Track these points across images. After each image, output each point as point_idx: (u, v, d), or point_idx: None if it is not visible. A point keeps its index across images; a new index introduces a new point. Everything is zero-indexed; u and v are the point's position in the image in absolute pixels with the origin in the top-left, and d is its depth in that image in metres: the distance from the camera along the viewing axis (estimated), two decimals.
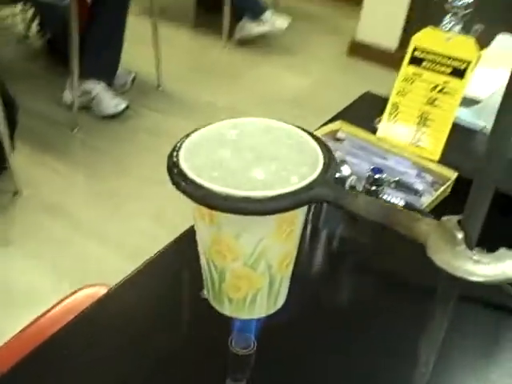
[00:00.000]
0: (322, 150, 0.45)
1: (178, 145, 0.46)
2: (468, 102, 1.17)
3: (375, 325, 0.75)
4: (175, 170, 0.43)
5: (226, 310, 0.49)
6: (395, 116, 1.05)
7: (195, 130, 0.48)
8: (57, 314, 1.14)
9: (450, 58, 1.00)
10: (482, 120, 1.15)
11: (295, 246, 0.48)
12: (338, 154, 0.98)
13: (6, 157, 2.25)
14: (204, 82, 3.24)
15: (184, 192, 0.42)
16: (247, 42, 3.55)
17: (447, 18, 1.02)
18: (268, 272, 0.46)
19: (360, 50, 3.53)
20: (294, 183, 0.41)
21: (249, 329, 0.51)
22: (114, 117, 2.84)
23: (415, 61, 1.03)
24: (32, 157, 2.55)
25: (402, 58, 1.07)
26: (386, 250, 0.88)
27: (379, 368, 0.69)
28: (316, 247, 0.86)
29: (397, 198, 0.82)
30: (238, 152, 0.47)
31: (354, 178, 0.83)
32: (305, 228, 0.88)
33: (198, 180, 0.42)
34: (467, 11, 1.01)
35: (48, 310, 1.14)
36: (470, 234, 0.32)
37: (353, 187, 0.83)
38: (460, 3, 1.00)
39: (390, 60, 3.32)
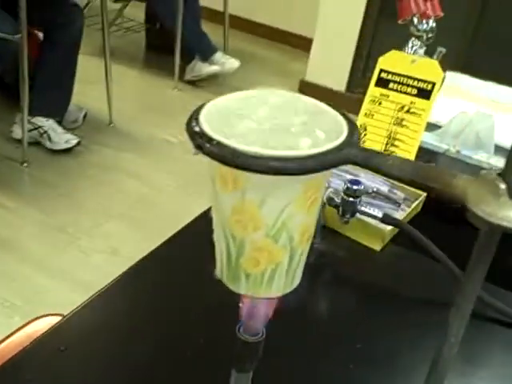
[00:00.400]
0: (344, 117, 0.45)
1: (195, 112, 0.45)
2: (430, 127, 1.21)
3: (356, 336, 0.75)
4: (197, 133, 0.42)
5: (242, 287, 0.47)
6: (364, 136, 1.07)
7: (207, 101, 0.47)
8: (14, 343, 1.11)
9: (415, 80, 1.04)
10: (445, 143, 1.19)
11: (315, 220, 0.47)
12: None
13: None
14: (156, 119, 3.24)
15: (210, 154, 0.40)
16: (198, 83, 3.58)
17: (411, 42, 1.06)
18: (289, 245, 0.45)
19: (309, 91, 3.61)
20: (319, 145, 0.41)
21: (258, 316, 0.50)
22: (65, 152, 2.80)
23: (382, 82, 1.06)
24: None
25: (350, 99, 1.10)
26: (362, 262, 0.88)
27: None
28: None
29: (375, 210, 0.83)
30: (256, 118, 0.47)
31: (330, 190, 0.84)
32: None
33: (224, 140, 0.41)
34: (430, 35, 1.05)
35: (1, 341, 1.10)
36: (510, 185, 0.32)
37: (330, 199, 0.84)
38: (424, 27, 1.04)
39: (340, 100, 3.42)
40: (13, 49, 2.47)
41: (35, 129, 2.77)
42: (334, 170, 0.99)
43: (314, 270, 0.85)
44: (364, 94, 1.08)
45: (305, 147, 0.42)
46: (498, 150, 1.21)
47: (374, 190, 0.82)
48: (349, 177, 0.99)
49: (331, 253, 0.87)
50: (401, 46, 1.07)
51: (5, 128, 2.85)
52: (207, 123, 0.43)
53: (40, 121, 2.78)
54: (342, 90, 3.50)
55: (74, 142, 2.80)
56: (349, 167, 1.02)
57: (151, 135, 3.10)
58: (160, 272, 0.84)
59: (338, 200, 0.83)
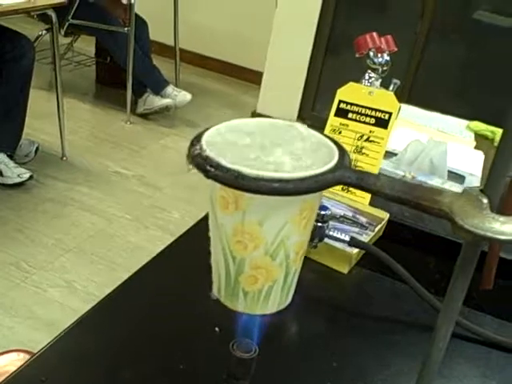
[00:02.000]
0: (332, 141, 0.48)
1: (197, 137, 0.47)
2: (387, 155, 1.27)
3: (329, 355, 0.78)
4: (201, 157, 0.44)
5: (240, 305, 0.50)
6: None
7: (207, 128, 0.50)
8: None
9: (373, 110, 1.09)
10: (401, 170, 1.24)
11: (308, 239, 0.50)
12: None
13: None
14: (109, 152, 3.24)
15: (214, 177, 0.43)
16: (150, 116, 3.60)
17: (368, 74, 1.11)
18: (285, 262, 0.48)
19: None
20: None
21: (251, 334, 0.52)
22: (17, 186, 2.77)
23: (341, 112, 1.11)
24: None
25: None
26: (330, 285, 0.91)
27: None
28: None
29: (342, 234, 0.86)
30: (250, 143, 0.50)
31: None
32: None
33: (227, 163, 0.44)
34: (385, 68, 1.11)
35: None
36: (493, 200, 0.36)
37: None
38: (379, 61, 1.09)
39: None
40: None
41: None
42: None
43: None
44: (314, 125, 1.13)
45: (300, 170, 0.45)
46: (451, 175, 1.27)
47: (342, 214, 0.86)
48: None
49: (300, 276, 0.90)
50: (348, 79, 1.12)
51: None
52: (209, 148, 0.46)
53: None
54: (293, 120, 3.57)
55: (27, 176, 2.77)
56: None
57: (104, 168, 3.09)
58: (143, 294, 0.85)
59: None
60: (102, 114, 3.61)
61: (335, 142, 0.48)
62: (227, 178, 0.43)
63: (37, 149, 3.00)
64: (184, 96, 3.52)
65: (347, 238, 0.86)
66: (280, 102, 3.61)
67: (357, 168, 1.09)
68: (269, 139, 0.50)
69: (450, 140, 1.49)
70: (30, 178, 2.79)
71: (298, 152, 0.49)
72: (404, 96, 3.19)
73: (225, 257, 0.49)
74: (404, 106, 1.79)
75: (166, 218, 2.78)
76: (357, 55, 1.09)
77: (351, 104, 1.10)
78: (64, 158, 3.09)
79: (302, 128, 0.51)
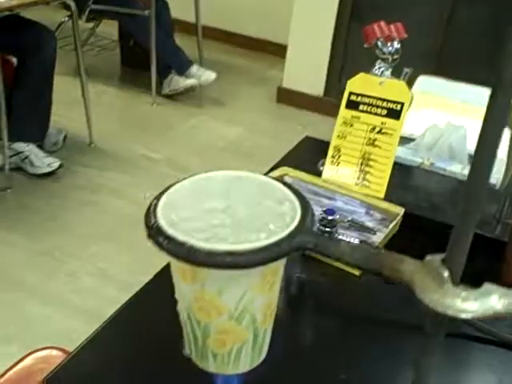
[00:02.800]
0: (298, 198, 0.46)
1: (154, 203, 0.46)
2: (404, 141, 1.24)
3: (340, 365, 0.77)
4: (154, 229, 0.43)
5: (211, 366, 0.49)
6: (338, 158, 1.09)
7: (166, 188, 0.48)
8: (11, 378, 1.12)
9: (384, 101, 1.06)
10: (419, 156, 1.22)
11: (276, 297, 0.49)
12: None
13: None
14: (137, 136, 3.25)
15: (167, 251, 0.42)
16: (176, 96, 3.59)
17: (378, 64, 1.08)
18: (253, 325, 0.47)
19: (288, 97, 3.64)
20: (269, 235, 0.42)
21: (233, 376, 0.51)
22: (47, 175, 2.81)
23: (352, 105, 1.08)
24: None
25: (328, 103, 1.13)
26: (343, 288, 0.90)
27: None
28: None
29: (351, 238, 0.85)
30: (210, 204, 0.48)
31: None
32: None
33: (180, 237, 0.42)
34: (396, 57, 1.08)
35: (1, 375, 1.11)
36: (455, 272, 0.33)
37: None
38: (389, 50, 1.06)
39: (318, 105, 3.45)
40: None
41: (16, 154, 2.78)
42: (307, 194, 1.02)
43: (295, 301, 0.88)
44: (341, 98, 1.11)
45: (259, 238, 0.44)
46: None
47: (349, 218, 0.84)
48: (324, 201, 1.01)
49: (312, 281, 0.89)
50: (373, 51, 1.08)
51: None
52: (165, 215, 0.45)
53: (20, 146, 2.78)
54: (320, 94, 3.53)
55: (56, 165, 2.81)
56: (325, 191, 1.05)
57: (132, 152, 3.11)
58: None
59: (314, 229, 0.85)
60: (128, 97, 3.62)
61: (299, 195, 0.46)
62: (180, 253, 0.42)
63: (65, 137, 3.03)
64: (209, 75, 3.50)
65: (356, 241, 0.84)
66: (305, 75, 3.56)
67: (370, 161, 1.07)
68: (232, 199, 0.48)
69: (475, 113, 1.44)
70: (60, 166, 2.82)
71: (260, 212, 0.47)
72: (431, 65, 3.11)
73: (190, 321, 0.48)
74: (426, 78, 1.74)
75: None
76: (365, 45, 1.06)
77: (362, 95, 1.08)
78: (92, 145, 3.11)
79: (267, 180, 0.50)
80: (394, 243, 0.96)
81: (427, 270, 0.34)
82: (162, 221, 0.44)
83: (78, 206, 2.70)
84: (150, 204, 0.46)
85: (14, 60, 2.79)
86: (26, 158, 2.79)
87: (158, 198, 0.47)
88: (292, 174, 1.08)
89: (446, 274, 0.33)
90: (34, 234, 2.49)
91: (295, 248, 0.41)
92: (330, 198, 1.02)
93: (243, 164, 2.95)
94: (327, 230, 0.84)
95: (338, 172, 1.09)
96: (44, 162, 2.80)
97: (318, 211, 0.94)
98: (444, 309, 0.32)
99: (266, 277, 0.45)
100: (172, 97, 3.58)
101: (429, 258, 0.35)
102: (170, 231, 0.43)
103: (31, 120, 2.79)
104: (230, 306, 0.45)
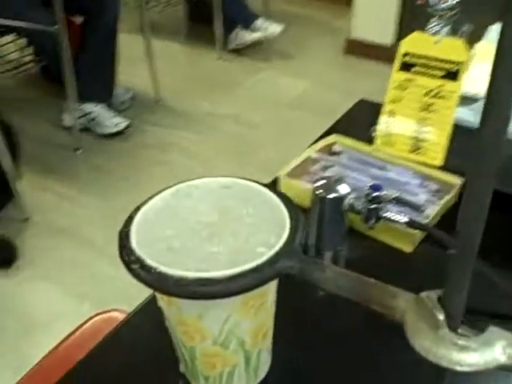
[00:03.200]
0: (289, 211, 0.42)
1: (128, 222, 0.43)
2: (467, 101, 1.16)
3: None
4: (126, 251, 0.40)
5: None
6: (391, 124, 1.03)
7: (146, 200, 0.45)
8: (76, 341, 1.14)
9: (441, 61, 0.99)
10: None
11: (270, 316, 0.45)
12: (334, 170, 0.96)
13: (12, 185, 2.25)
14: (202, 92, 3.23)
15: (137, 277, 0.39)
16: (242, 51, 3.53)
17: (433, 21, 1.00)
18: (242, 348, 0.43)
19: (356, 48, 3.51)
20: (260, 252, 0.38)
21: None
22: (116, 135, 2.84)
23: (406, 66, 1.02)
24: (38, 182, 2.56)
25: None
26: (392, 266, 0.86)
27: None
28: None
29: (399, 215, 0.80)
30: (196, 219, 0.45)
31: (352, 196, 0.81)
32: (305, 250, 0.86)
33: (150, 262, 0.39)
34: (453, 13, 0.99)
35: (67, 337, 1.13)
36: (453, 314, 0.29)
37: (351, 206, 0.81)
38: (443, 6, 0.98)
39: (388, 55, 3.30)
40: (54, 39, 2.49)
41: (84, 115, 2.82)
42: (356, 165, 0.97)
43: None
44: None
45: (243, 256, 0.40)
46: None
47: (396, 195, 0.79)
48: (375, 172, 0.96)
49: (358, 259, 0.85)
50: None
51: (56, 116, 2.90)
52: (142, 228, 0.41)
53: (88, 107, 2.81)
54: (389, 43, 3.39)
55: (124, 124, 2.83)
56: (376, 160, 0.99)
57: (199, 109, 3.09)
58: None
59: (359, 206, 0.81)
60: (193, 53, 3.59)
61: (290, 207, 0.42)
62: (148, 281, 0.38)
63: (132, 95, 3.05)
64: (274, 28, 3.41)
65: (405, 219, 0.79)
66: (374, 24, 3.42)
67: (426, 127, 1.01)
68: (216, 212, 0.44)
69: None
70: (128, 126, 2.85)
71: (245, 229, 0.43)
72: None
73: (177, 343, 0.45)
74: (496, 27, 1.62)
75: (262, 156, 2.75)
76: (418, 2, 0.98)
77: (417, 56, 1.01)
78: (159, 102, 3.12)
79: (258, 189, 0.46)
80: (449, 218, 0.90)
81: (420, 309, 0.29)
82: (134, 242, 0.41)
83: (149, 165, 2.71)
84: (125, 222, 0.42)
85: (79, 21, 2.80)
86: (95, 118, 2.82)
87: (134, 212, 0.44)
88: (342, 141, 1.03)
89: (441, 316, 0.28)
90: (106, 194, 2.54)
91: (277, 274, 0.37)
92: (381, 168, 0.97)
93: (310, 119, 2.89)
94: (372, 207, 0.80)
95: (390, 139, 1.03)
96: (112, 122, 2.83)
97: (366, 184, 0.90)
98: (437, 359, 0.27)
99: (248, 302, 0.41)
100: (238, 51, 3.53)
101: (424, 294, 0.30)
102: (141, 253, 0.40)
103: (98, 80, 2.81)
104: (213, 331, 0.42)
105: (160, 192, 0.46)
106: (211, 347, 0.43)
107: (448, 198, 0.92)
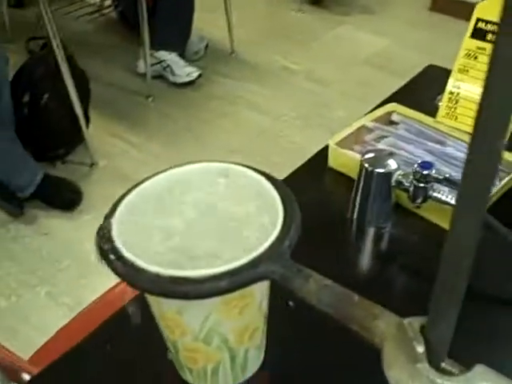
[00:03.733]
0: (285, 208, 0.37)
1: (111, 209, 0.40)
2: None
3: None
4: (104, 241, 0.37)
5: (189, 378, 0.44)
6: (457, 96, 0.96)
7: (136, 185, 0.42)
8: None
9: None
10: None
11: (260, 317, 0.41)
12: (389, 141, 0.91)
13: (81, 129, 2.28)
14: (278, 46, 3.16)
15: (112, 269, 0.36)
16: (322, 3, 3.42)
17: None
18: (225, 346, 0.41)
19: (443, 5, 3.34)
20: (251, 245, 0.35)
21: None
22: (187, 85, 2.82)
23: (478, 34, 0.94)
24: (107, 127, 2.58)
25: None
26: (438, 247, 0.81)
27: None
28: (362, 248, 0.80)
29: (449, 195, 0.74)
30: (185, 207, 0.42)
31: (399, 172, 0.76)
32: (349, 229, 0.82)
33: (127, 254, 0.37)
34: None
35: (119, 283, 1.15)
36: (436, 347, 0.24)
37: (399, 183, 0.76)
38: None
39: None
40: None
41: (158, 63, 2.81)
42: (413, 137, 0.91)
43: (382, 258, 0.80)
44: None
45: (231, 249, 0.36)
46: None
47: (446, 175, 0.73)
48: (432, 146, 0.90)
49: (403, 237, 0.81)
50: None
51: (131, 63, 2.92)
52: (130, 212, 0.38)
53: (162, 55, 2.81)
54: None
55: (196, 74, 2.81)
56: (436, 133, 0.93)
57: (273, 63, 3.03)
58: None
59: (407, 183, 0.75)
60: (272, 3, 3.51)
61: (288, 203, 0.38)
62: (121, 273, 0.35)
63: (206, 45, 3.02)
64: None
65: (453, 202, 0.74)
66: None
67: None
68: (212, 198, 0.41)
69: None
70: (200, 76, 2.83)
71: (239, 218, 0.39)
72: None
73: (163, 335, 0.42)
74: None
75: (331, 116, 2.68)
76: None
77: (492, 23, 0.93)
78: (233, 54, 3.08)
79: (257, 179, 0.42)
80: (507, 202, 0.83)
81: (401, 336, 0.25)
82: (115, 230, 0.38)
83: (215, 117, 2.70)
84: (110, 209, 0.40)
85: None
86: (168, 66, 2.81)
87: (121, 197, 0.41)
88: (401, 111, 0.97)
89: (420, 349, 0.24)
90: (171, 143, 2.54)
91: (258, 278, 0.33)
92: (440, 143, 0.91)
93: (386, 79, 2.78)
94: (421, 185, 0.74)
95: (454, 112, 0.96)
96: (184, 71, 2.81)
97: (421, 158, 0.84)
98: None
99: (231, 303, 0.38)
100: (318, 4, 3.42)
101: (407, 320, 0.26)
102: (117, 242, 0.37)
103: (173, 28, 2.79)
104: (193, 327, 0.39)
105: (153, 176, 0.43)
106: (192, 343, 0.41)
107: (508, 179, 0.85)
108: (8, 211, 2.12)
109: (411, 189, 0.75)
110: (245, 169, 0.42)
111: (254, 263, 0.33)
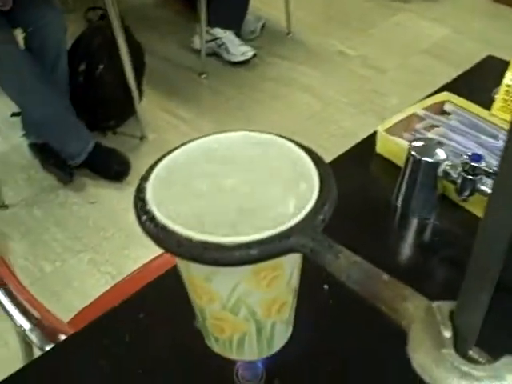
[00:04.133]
0: (322, 182, 0.37)
1: (148, 171, 0.40)
2: None
3: None
4: (140, 201, 0.37)
5: (215, 347, 0.44)
6: None
7: (174, 149, 0.42)
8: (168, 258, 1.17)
9: None
10: None
11: (289, 291, 0.41)
12: (440, 130, 0.89)
13: (133, 102, 2.30)
14: (336, 30, 3.12)
15: (142, 228, 0.36)
16: None
17: None
18: (252, 318, 0.40)
19: None
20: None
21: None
22: (241, 63, 2.82)
23: None
24: (159, 101, 2.61)
25: None
26: None
27: None
28: (404, 237, 0.79)
29: None
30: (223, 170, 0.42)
31: (447, 163, 0.75)
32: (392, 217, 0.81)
33: (159, 216, 0.37)
34: None
35: (161, 254, 1.17)
36: (463, 333, 0.24)
37: (447, 173, 0.75)
38: None
39: None
40: None
41: (213, 40, 2.81)
42: (465, 128, 0.88)
43: (424, 248, 0.78)
44: None
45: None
46: None
47: (495, 169, 0.71)
48: (485, 139, 0.87)
49: (447, 230, 0.79)
50: None
51: (187, 39, 2.93)
52: (167, 175, 0.38)
53: (218, 32, 2.81)
54: None
55: (250, 54, 2.80)
56: (490, 127, 0.90)
57: (329, 47, 3.00)
58: None
59: (455, 175, 0.74)
60: None
61: (326, 174, 0.37)
62: (152, 235, 0.35)
63: (263, 25, 3.00)
64: None
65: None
66: None
67: None
68: (240, 172, 0.40)
69: None
70: (254, 55, 2.82)
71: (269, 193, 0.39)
72: None
73: (191, 301, 0.42)
74: None
75: (384, 104, 2.64)
76: None
77: None
78: (289, 35, 3.05)
79: (296, 152, 0.41)
80: None
81: (430, 320, 0.25)
82: (151, 191, 0.38)
83: (267, 98, 2.69)
84: (148, 169, 0.40)
85: None
86: (223, 44, 2.81)
87: (158, 161, 0.41)
88: (455, 101, 0.95)
89: (447, 334, 0.23)
90: (221, 121, 2.55)
91: (288, 250, 0.33)
92: (493, 136, 0.88)
93: (444, 70, 2.72)
94: (469, 177, 0.72)
95: (511, 105, 0.93)
96: (239, 50, 2.81)
97: (471, 151, 0.82)
98: (432, 381, 0.23)
99: (259, 273, 0.38)
100: None
101: (436, 304, 0.26)
102: (152, 206, 0.37)
103: (231, 6, 2.79)
104: (221, 295, 0.39)
105: (192, 141, 0.43)
106: (220, 311, 0.41)
107: None
108: (58, 178, 2.16)
109: (459, 181, 0.74)
110: (285, 141, 0.42)
111: (285, 235, 0.33)
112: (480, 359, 0.24)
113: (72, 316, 1.17)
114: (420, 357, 0.24)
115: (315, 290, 0.69)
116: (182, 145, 0.43)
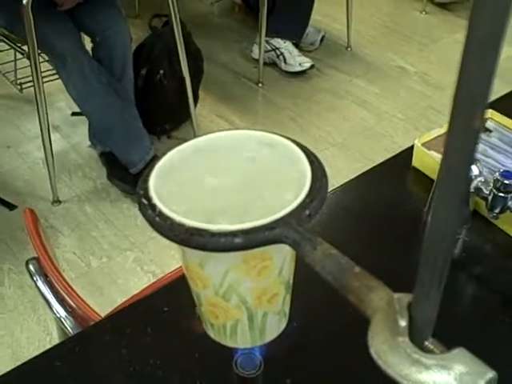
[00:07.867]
0: (313, 176, 0.38)
1: (160, 158, 0.43)
2: None
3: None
4: (141, 186, 0.40)
5: (211, 333, 0.46)
6: None
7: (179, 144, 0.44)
8: None
9: None
10: None
11: (280, 282, 0.42)
12: (480, 147, 0.88)
13: (189, 107, 2.35)
14: (396, 45, 3.11)
15: (142, 213, 0.39)
16: (448, 5, 3.33)
17: None
18: (244, 306, 0.42)
19: None
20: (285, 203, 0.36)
21: (255, 348, 0.47)
22: (298, 74, 2.84)
23: None
24: (214, 108, 2.65)
25: None
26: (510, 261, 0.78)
27: None
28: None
29: None
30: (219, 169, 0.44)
31: (480, 179, 0.74)
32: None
33: (155, 200, 0.39)
34: None
35: None
36: (419, 324, 0.25)
37: (479, 189, 0.74)
38: None
39: None
40: None
41: (272, 50, 2.84)
42: (505, 147, 0.88)
43: (453, 265, 0.78)
44: None
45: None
46: None
47: None
48: None
49: (477, 246, 0.78)
50: None
51: (247, 47, 2.97)
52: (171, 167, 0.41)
53: (277, 42, 2.83)
54: None
55: (308, 65, 2.82)
56: None
57: (387, 61, 2.99)
58: None
59: (486, 191, 0.73)
60: (396, 1, 3.44)
61: (316, 170, 0.38)
62: (147, 217, 0.37)
63: (322, 38, 3.01)
64: None
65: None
66: None
67: None
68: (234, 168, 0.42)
69: None
70: (311, 67, 2.83)
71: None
72: None
73: (189, 285, 0.44)
74: None
75: (440, 121, 2.61)
76: None
77: None
78: (348, 49, 3.06)
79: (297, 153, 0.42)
80: None
81: (390, 310, 0.26)
82: (153, 178, 0.41)
83: (320, 109, 2.70)
84: (153, 158, 0.42)
85: None
86: (281, 54, 2.84)
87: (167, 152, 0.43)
88: (497, 118, 0.94)
89: (403, 323, 0.24)
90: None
91: (272, 240, 0.34)
92: None
93: (503, 90, 2.67)
94: (500, 194, 0.72)
95: None
96: (297, 61, 2.83)
97: (506, 169, 0.81)
98: (385, 367, 0.24)
99: (249, 262, 0.39)
100: (444, 6, 3.32)
101: (397, 295, 0.27)
102: (150, 192, 0.39)
103: (292, 17, 2.81)
104: (213, 281, 0.41)
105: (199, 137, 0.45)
106: (213, 296, 0.43)
107: None
108: (122, 189, 2.17)
109: (490, 197, 0.73)
110: (284, 140, 0.43)
111: (271, 226, 0.35)
112: (435, 349, 0.25)
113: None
114: (377, 344, 0.25)
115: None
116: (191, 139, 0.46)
